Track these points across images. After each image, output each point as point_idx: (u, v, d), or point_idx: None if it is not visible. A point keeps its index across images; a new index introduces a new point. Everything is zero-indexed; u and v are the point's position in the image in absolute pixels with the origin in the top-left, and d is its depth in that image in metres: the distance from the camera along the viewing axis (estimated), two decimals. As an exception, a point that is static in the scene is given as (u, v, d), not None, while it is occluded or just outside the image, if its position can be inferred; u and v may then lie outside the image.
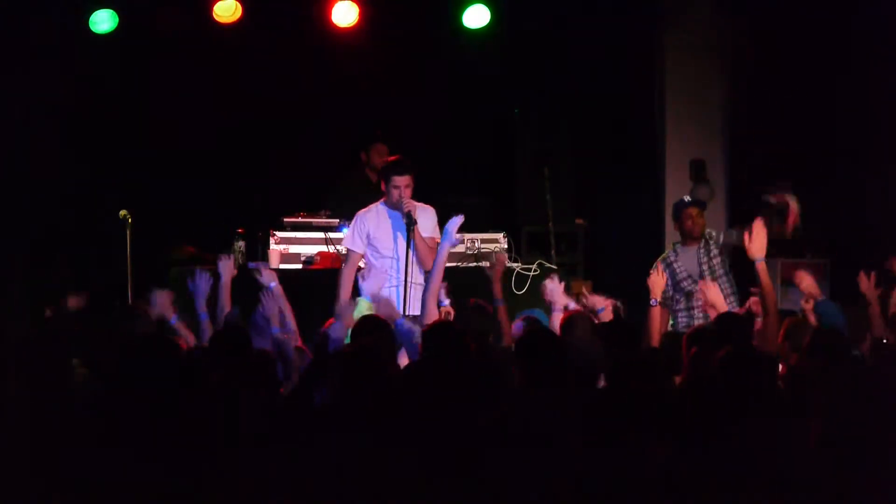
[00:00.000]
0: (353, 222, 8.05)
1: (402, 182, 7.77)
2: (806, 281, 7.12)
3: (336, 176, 9.92)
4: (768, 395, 4.72)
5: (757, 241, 6.91)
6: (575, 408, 4.71)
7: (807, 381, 5.12)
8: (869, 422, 4.38)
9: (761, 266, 6.83)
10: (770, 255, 10.43)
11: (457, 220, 7.16)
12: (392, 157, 8.02)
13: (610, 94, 10.58)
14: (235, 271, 7.22)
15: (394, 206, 7.83)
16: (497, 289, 6.92)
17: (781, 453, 4.41)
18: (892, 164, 9.82)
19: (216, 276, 7.08)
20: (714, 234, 8.63)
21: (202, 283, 6.85)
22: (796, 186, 10.57)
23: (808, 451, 4.42)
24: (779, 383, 5.37)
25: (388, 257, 7.83)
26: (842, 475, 4.29)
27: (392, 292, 7.64)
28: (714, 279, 8.33)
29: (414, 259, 7.64)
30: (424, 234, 7.78)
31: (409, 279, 7.54)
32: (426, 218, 7.87)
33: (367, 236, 7.91)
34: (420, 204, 7.91)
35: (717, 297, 7.10)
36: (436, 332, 5.68)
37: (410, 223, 7.63)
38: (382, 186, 7.88)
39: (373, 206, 8.00)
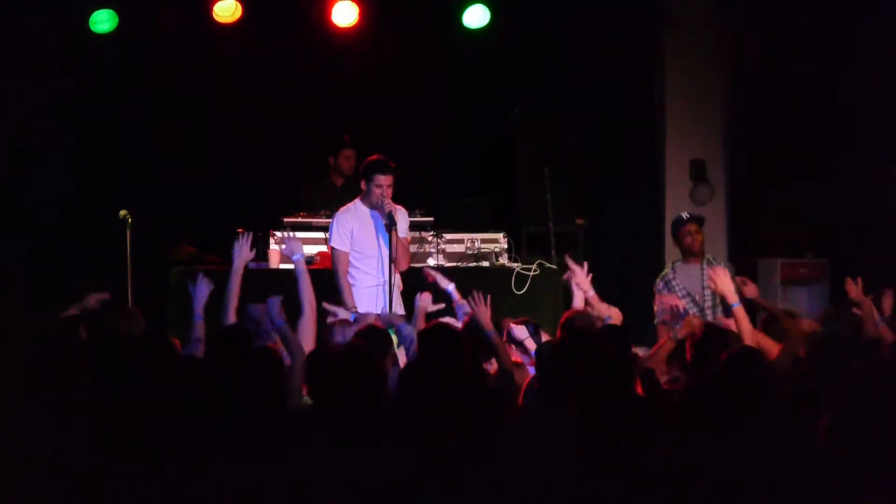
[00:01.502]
0: (333, 221, 7.96)
1: (386, 181, 7.72)
2: (807, 325, 7.06)
3: (308, 180, 9.92)
4: (767, 397, 4.72)
5: (725, 286, 6.85)
6: (576, 408, 4.70)
7: (810, 382, 5.13)
8: (872, 423, 4.37)
9: (738, 310, 6.70)
10: (770, 254, 10.55)
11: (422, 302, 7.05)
12: (375, 156, 7.94)
13: (610, 94, 10.58)
14: (252, 255, 7.08)
15: (373, 205, 7.78)
16: (487, 326, 6.38)
17: (783, 455, 4.41)
18: (892, 163, 9.82)
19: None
20: (716, 259, 8.53)
21: (203, 287, 6.78)
22: (797, 186, 10.61)
23: (810, 453, 4.42)
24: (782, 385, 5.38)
25: (372, 257, 7.79)
26: (844, 476, 4.30)
27: (376, 291, 7.64)
28: (713, 305, 8.26)
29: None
30: (400, 235, 7.75)
31: (392, 279, 7.52)
32: (401, 220, 7.84)
33: (351, 235, 7.85)
34: (396, 205, 7.88)
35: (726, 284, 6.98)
36: (431, 334, 5.66)
37: (391, 224, 7.58)
38: (362, 185, 7.82)
39: (350, 206, 7.93)
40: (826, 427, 4.39)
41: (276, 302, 6.19)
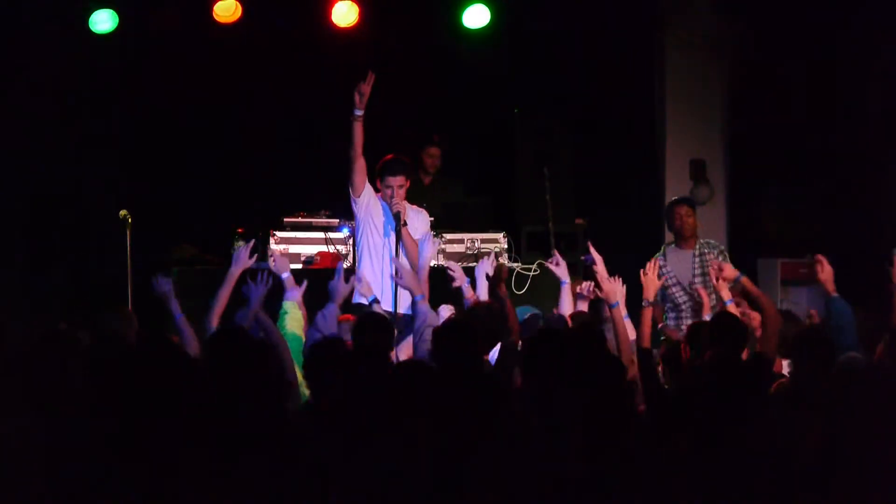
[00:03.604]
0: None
1: (395, 182, 7.77)
2: (826, 272, 6.96)
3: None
4: (758, 397, 4.72)
5: (727, 267, 6.99)
6: (576, 407, 4.70)
7: (801, 382, 5.13)
8: (867, 421, 4.37)
9: (745, 280, 6.85)
10: (770, 254, 10.55)
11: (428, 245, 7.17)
12: (388, 156, 7.98)
13: (610, 93, 10.58)
14: (250, 262, 7.04)
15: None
16: (502, 289, 6.90)
17: (776, 454, 4.41)
18: (892, 163, 9.82)
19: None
20: (711, 242, 8.54)
21: (260, 288, 6.47)
22: (797, 186, 10.60)
23: (804, 453, 4.41)
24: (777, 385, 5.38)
25: (386, 248, 7.82)
26: (840, 476, 4.29)
27: (381, 285, 7.66)
28: (705, 286, 8.26)
29: (404, 257, 7.65)
30: (416, 237, 7.78)
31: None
32: (420, 221, 7.88)
33: (372, 209, 7.83)
34: (414, 206, 7.91)
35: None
36: (447, 332, 5.63)
37: (399, 223, 7.62)
38: (378, 184, 7.86)
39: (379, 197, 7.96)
40: (824, 426, 4.39)
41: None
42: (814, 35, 10.08)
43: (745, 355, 5.92)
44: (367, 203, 7.89)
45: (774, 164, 10.56)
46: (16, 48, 9.80)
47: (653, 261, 7.36)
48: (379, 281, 7.73)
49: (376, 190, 7.94)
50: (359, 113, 7.78)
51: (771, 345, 6.30)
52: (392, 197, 7.73)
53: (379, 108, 10.31)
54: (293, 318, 6.47)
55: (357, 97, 7.75)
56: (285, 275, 6.86)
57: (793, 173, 10.58)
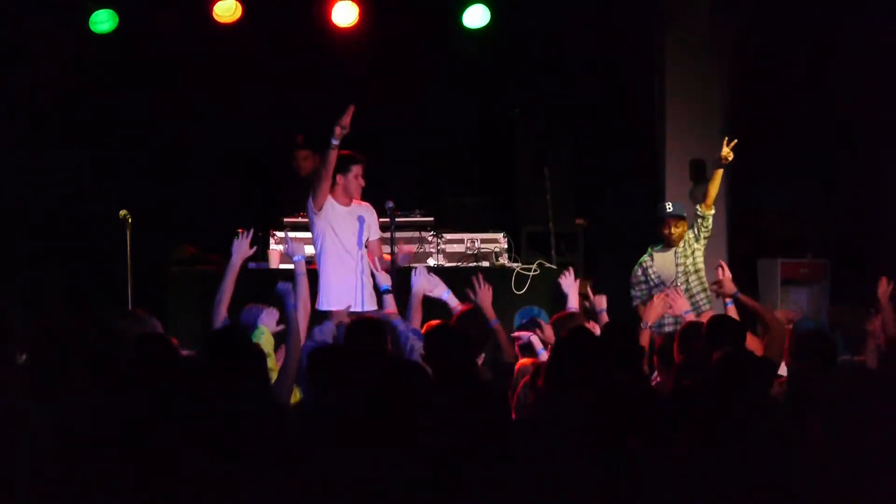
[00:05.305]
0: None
1: (361, 171, 7.82)
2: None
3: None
4: (762, 398, 4.72)
5: (727, 281, 7.03)
6: (577, 409, 4.70)
7: (800, 384, 5.13)
8: (865, 424, 4.37)
9: (742, 297, 6.91)
10: (770, 255, 10.56)
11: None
12: (346, 151, 7.87)
13: (610, 93, 10.58)
14: (251, 252, 7.08)
15: (350, 200, 7.80)
16: (489, 313, 6.79)
17: (777, 456, 4.41)
18: (892, 163, 9.83)
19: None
20: (692, 233, 8.61)
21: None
22: (797, 186, 10.61)
23: (804, 455, 4.41)
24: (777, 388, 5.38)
25: (351, 254, 7.81)
26: (839, 479, 4.30)
27: (354, 289, 7.69)
28: (687, 273, 8.37)
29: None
30: (372, 231, 7.88)
31: (364, 276, 7.71)
32: (372, 217, 7.93)
33: (331, 218, 7.82)
34: (363, 203, 7.92)
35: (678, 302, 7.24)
36: (438, 334, 5.65)
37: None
38: (339, 179, 7.81)
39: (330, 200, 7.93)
40: (822, 429, 4.39)
41: (288, 289, 6.26)
42: (814, 35, 10.08)
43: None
44: (328, 214, 7.84)
45: (774, 164, 10.56)
46: (16, 48, 9.80)
47: (664, 293, 7.55)
48: (345, 285, 7.75)
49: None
50: (335, 143, 7.66)
51: (774, 351, 6.31)
52: (360, 186, 7.78)
53: (379, 109, 10.37)
54: (265, 343, 6.47)
55: (338, 130, 7.62)
56: (298, 258, 6.88)
57: (792, 174, 10.58)
